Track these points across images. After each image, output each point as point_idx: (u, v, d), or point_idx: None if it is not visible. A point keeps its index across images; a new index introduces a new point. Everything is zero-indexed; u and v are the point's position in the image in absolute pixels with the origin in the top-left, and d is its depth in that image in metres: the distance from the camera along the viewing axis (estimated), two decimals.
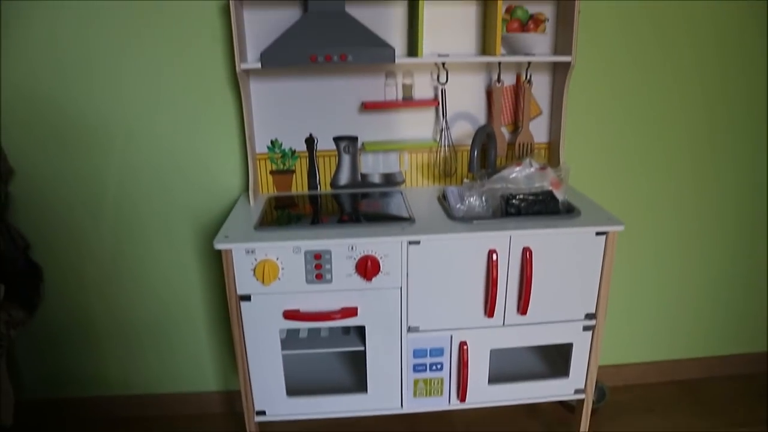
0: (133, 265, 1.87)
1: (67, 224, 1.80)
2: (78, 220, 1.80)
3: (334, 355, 1.73)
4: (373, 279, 1.43)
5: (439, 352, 1.56)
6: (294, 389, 1.58)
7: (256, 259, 1.40)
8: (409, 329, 1.51)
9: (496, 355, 1.60)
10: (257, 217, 1.55)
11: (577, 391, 1.67)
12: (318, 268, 1.42)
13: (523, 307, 1.50)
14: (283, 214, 1.62)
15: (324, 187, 1.81)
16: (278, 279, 1.42)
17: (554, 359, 1.71)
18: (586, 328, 1.57)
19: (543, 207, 1.51)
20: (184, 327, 1.97)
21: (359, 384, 1.60)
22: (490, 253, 1.44)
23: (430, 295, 1.48)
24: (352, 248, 1.41)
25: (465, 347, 1.54)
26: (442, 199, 1.66)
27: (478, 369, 1.58)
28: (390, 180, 1.82)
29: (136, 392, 2.04)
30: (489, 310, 1.49)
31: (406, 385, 1.58)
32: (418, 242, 1.42)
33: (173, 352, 2.00)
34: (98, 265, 1.86)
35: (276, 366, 1.52)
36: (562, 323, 1.56)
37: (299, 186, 1.80)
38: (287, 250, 1.40)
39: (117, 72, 1.66)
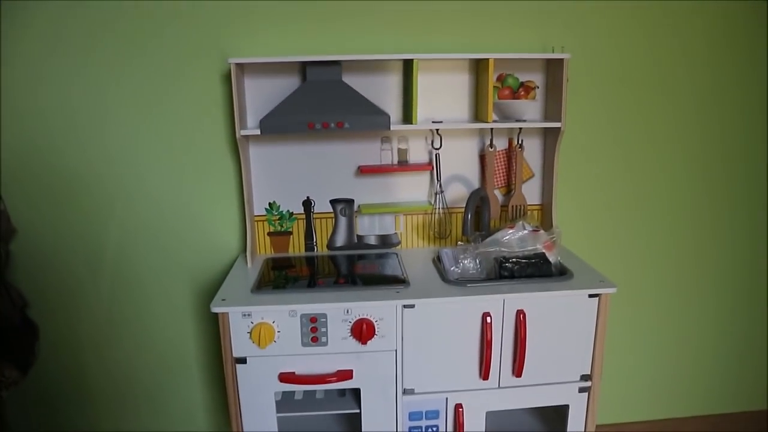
0: (130, 324, 1.88)
1: (66, 283, 1.82)
2: (76, 279, 1.82)
3: (330, 417, 1.72)
4: (368, 342, 1.44)
5: (434, 414, 1.55)
6: None
7: (252, 322, 1.42)
8: (405, 391, 1.51)
9: (493, 417, 1.60)
10: (254, 279, 1.57)
11: None
12: (314, 331, 1.43)
13: (518, 369, 1.50)
14: (280, 275, 1.64)
15: (321, 249, 1.84)
16: (274, 342, 1.43)
17: (551, 419, 1.71)
18: (582, 390, 1.57)
19: (536, 270, 1.54)
20: (180, 385, 1.96)
21: None
22: (484, 315, 1.46)
23: (425, 358, 1.49)
24: (347, 312, 1.43)
25: (460, 410, 1.54)
26: (437, 261, 1.69)
27: (475, 431, 1.57)
28: (386, 241, 1.85)
29: None
30: (484, 373, 1.50)
31: None
32: (412, 306, 1.44)
33: (168, 409, 1.98)
34: (95, 324, 1.87)
35: (271, 428, 1.52)
36: (557, 385, 1.56)
37: (296, 247, 1.83)
38: (283, 314, 1.42)
39: (118, 133, 1.72)
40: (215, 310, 1.40)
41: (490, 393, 1.54)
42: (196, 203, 1.79)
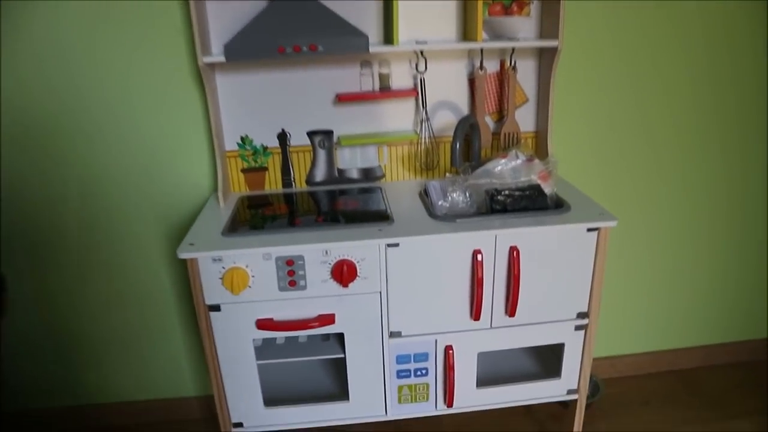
0: (100, 271, 1.77)
1: (29, 230, 1.70)
2: (40, 225, 1.70)
3: (314, 362, 1.65)
4: (350, 285, 1.34)
5: (423, 357, 1.48)
6: (272, 399, 1.50)
7: (224, 268, 1.31)
8: (391, 335, 1.43)
9: (484, 357, 1.53)
10: (226, 220, 1.45)
11: (570, 392, 1.59)
12: (291, 274, 1.33)
13: (511, 309, 1.42)
14: (255, 215, 1.52)
15: (299, 184, 1.71)
16: (249, 287, 1.33)
17: (546, 359, 1.64)
18: (578, 328, 1.50)
19: (530, 202, 1.43)
20: (158, 332, 1.88)
21: (341, 392, 1.52)
22: (475, 253, 1.36)
23: (412, 299, 1.39)
24: (326, 253, 1.32)
25: (450, 351, 1.46)
26: (424, 194, 1.57)
27: (466, 373, 1.51)
28: (369, 175, 1.72)
29: (111, 401, 1.96)
30: (475, 313, 1.41)
31: (390, 391, 1.50)
32: (397, 245, 1.33)
33: (148, 358, 1.91)
34: (63, 273, 1.76)
35: (251, 376, 1.44)
36: (552, 323, 1.48)
37: (273, 184, 1.70)
38: (257, 257, 1.31)
39: (70, 67, 1.55)
40: (182, 255, 1.29)
41: (481, 334, 1.46)
42: (163, 140, 1.64)
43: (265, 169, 1.68)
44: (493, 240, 1.36)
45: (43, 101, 1.57)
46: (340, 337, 1.44)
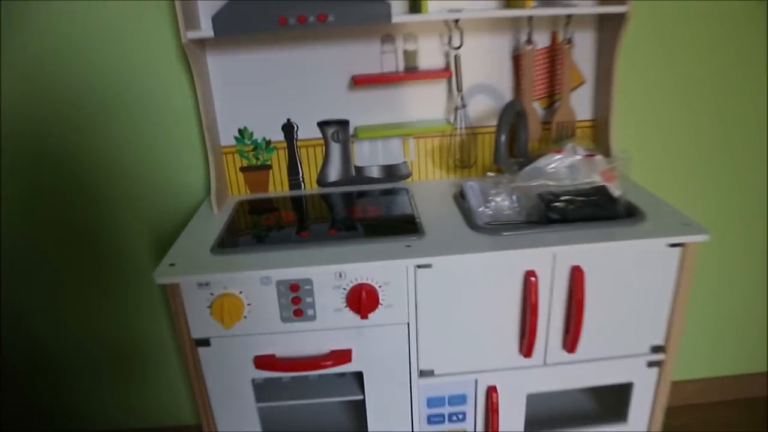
0: (88, 287, 1.52)
1: (10, 240, 1.46)
2: (20, 235, 1.46)
3: (327, 402, 1.38)
4: (370, 315, 1.07)
5: (460, 399, 1.20)
6: None
7: (212, 294, 1.04)
8: (421, 374, 1.16)
9: (535, 398, 1.25)
10: (218, 232, 1.19)
11: None
12: (296, 302, 1.06)
13: (571, 343, 1.13)
14: (255, 225, 1.25)
15: (309, 186, 1.44)
16: (244, 318, 1.07)
17: (607, 398, 1.35)
18: (651, 364, 1.21)
19: (597, 210, 1.13)
20: (153, 354, 1.63)
21: None
22: (528, 275, 1.07)
23: (447, 332, 1.12)
24: (340, 276, 1.05)
25: (494, 393, 1.18)
26: (459, 198, 1.29)
27: (512, 418, 1.23)
28: (392, 173, 1.44)
29: (100, 428, 1.72)
30: (526, 348, 1.13)
31: None
32: (429, 266, 1.05)
33: (141, 382, 1.67)
34: (48, 289, 1.52)
35: (251, 422, 1.18)
36: (620, 359, 1.19)
37: (278, 185, 1.43)
38: (253, 282, 1.04)
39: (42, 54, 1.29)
40: (161, 280, 1.03)
41: (532, 372, 1.18)
42: (150, 135, 1.38)
43: (269, 167, 1.41)
44: (551, 259, 1.07)
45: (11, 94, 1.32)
46: (358, 375, 1.17)
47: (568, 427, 1.29)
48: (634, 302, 1.13)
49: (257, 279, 1.04)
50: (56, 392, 1.67)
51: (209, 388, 1.14)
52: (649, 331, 1.18)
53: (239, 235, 1.19)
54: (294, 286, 1.04)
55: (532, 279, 1.07)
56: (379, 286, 1.06)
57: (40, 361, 1.62)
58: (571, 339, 1.13)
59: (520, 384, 1.20)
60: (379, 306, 1.07)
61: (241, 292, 1.05)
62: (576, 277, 1.08)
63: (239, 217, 1.28)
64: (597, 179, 1.21)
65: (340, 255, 1.05)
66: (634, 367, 1.20)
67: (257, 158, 1.39)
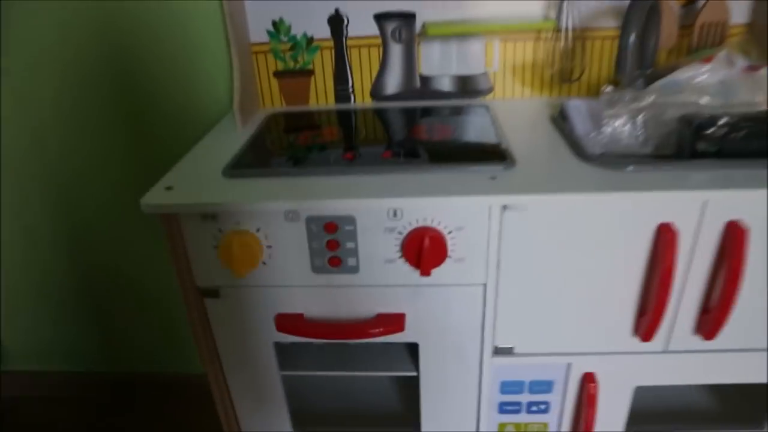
0: (91, 215, 1.29)
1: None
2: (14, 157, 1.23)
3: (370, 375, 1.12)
4: (434, 271, 0.77)
5: (544, 386, 0.91)
6: (306, 421, 0.99)
7: (220, 231, 0.77)
8: (497, 351, 0.87)
9: (642, 392, 0.94)
10: (237, 150, 0.90)
11: None
12: (333, 247, 0.78)
13: (711, 326, 0.81)
14: (286, 143, 0.96)
15: (361, 99, 1.13)
16: (263, 264, 0.79)
17: (731, 396, 1.03)
18: None
19: (764, 142, 0.78)
20: (163, 296, 1.41)
21: (410, 422, 0.99)
22: (662, 230, 0.75)
23: (537, 299, 0.82)
24: (394, 214, 0.75)
25: (592, 384, 0.88)
26: (560, 120, 0.96)
27: (610, 413, 0.93)
28: (469, 87, 1.11)
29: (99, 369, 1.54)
30: (646, 329, 0.81)
31: (486, 429, 0.96)
32: (521, 207, 0.74)
33: (155, 327, 1.46)
34: (48, 215, 1.30)
35: (274, 394, 0.93)
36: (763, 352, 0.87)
37: (321, 96, 1.13)
38: (275, 217, 0.76)
39: None
40: (150, 208, 0.76)
41: (647, 359, 0.87)
42: (174, 32, 1.09)
43: (310, 72, 1.10)
44: (699, 209, 0.74)
45: None
46: (412, 347, 0.90)
47: (682, 428, 0.99)
48: None
49: (280, 213, 0.76)
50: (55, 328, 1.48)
51: (221, 352, 0.89)
52: None
53: (263, 156, 0.90)
54: (330, 226, 0.76)
55: (669, 235, 0.74)
56: (449, 232, 0.76)
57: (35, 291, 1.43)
58: (712, 321, 0.80)
59: (629, 374, 0.89)
60: (447, 259, 0.77)
61: (258, 230, 0.77)
62: (734, 236, 0.74)
63: (268, 133, 1.00)
64: (761, 101, 0.86)
65: (396, 186, 0.75)
66: None
67: (296, 60, 1.09)
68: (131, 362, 1.51)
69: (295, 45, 1.08)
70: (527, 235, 0.76)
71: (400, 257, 0.78)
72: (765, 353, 0.87)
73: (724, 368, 0.89)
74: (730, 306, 0.77)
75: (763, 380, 0.90)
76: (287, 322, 0.84)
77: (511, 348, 0.86)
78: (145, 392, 1.52)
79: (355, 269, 0.79)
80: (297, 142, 0.95)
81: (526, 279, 0.80)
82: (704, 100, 0.86)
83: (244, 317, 0.85)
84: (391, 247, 0.77)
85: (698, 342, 0.85)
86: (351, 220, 0.75)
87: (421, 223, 0.75)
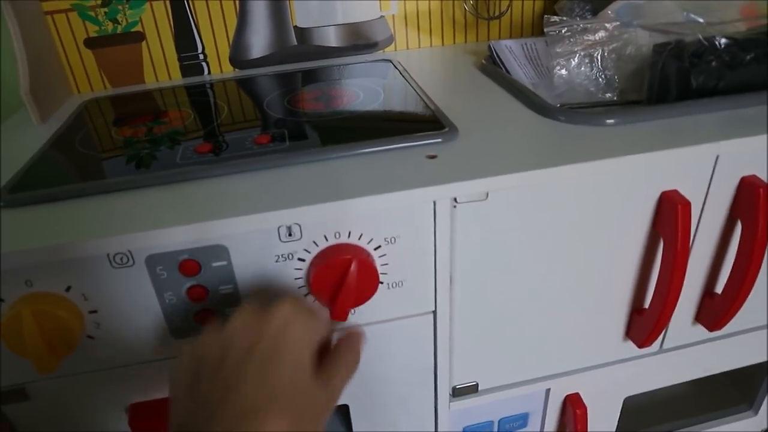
0: None
1: None
2: None
3: None
4: (359, 308, 0.52)
5: (519, 421, 0.70)
6: None
7: (2, 301, 0.46)
8: (456, 392, 0.63)
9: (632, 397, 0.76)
10: (27, 161, 0.58)
11: None
12: (199, 296, 0.49)
13: (720, 314, 0.62)
14: (107, 143, 0.64)
15: (218, 68, 0.83)
16: (88, 340, 0.49)
17: (713, 379, 0.88)
18: None
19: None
20: None
21: None
22: (667, 199, 0.54)
23: (503, 319, 0.58)
24: (289, 232, 0.48)
25: (579, 409, 0.68)
26: (493, 67, 0.72)
27: (600, 428, 0.74)
28: (361, 38, 0.85)
29: None
30: (647, 332, 0.61)
31: None
32: (479, 197, 0.49)
33: None
34: None
35: None
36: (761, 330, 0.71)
37: (161, 70, 0.81)
38: (96, 263, 0.46)
39: None
40: None
41: (638, 365, 0.68)
42: None
43: (139, 37, 0.78)
44: (711, 166, 0.54)
45: None
46: (341, 408, 0.63)
47: (673, 426, 0.82)
48: None
49: (102, 258, 0.46)
50: None
51: None
52: None
53: (68, 165, 0.58)
54: (189, 265, 0.47)
55: (679, 206, 0.53)
56: (377, 248, 0.50)
57: None
58: (721, 308, 0.61)
59: (619, 386, 0.70)
60: (380, 286, 0.51)
61: (70, 289, 0.46)
62: (752, 195, 0.55)
63: (81, 129, 0.67)
64: (736, 20, 0.67)
65: (284, 189, 0.48)
66: None
67: (115, 21, 0.76)
68: None
69: None
70: (490, 236, 0.52)
71: (307, 295, 0.51)
72: (763, 331, 0.70)
73: (723, 356, 0.72)
74: (749, 288, 0.59)
75: (762, 360, 0.74)
76: (148, 413, 0.55)
77: (474, 385, 0.63)
78: None
79: None
80: (121, 136, 0.64)
81: (489, 295, 0.56)
82: (670, 26, 0.66)
83: (77, 420, 0.54)
84: (291, 281, 0.50)
85: (698, 333, 0.67)
86: (221, 251, 0.47)
87: (331, 241, 0.49)
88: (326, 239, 0.48)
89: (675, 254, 0.54)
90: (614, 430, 0.76)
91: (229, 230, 0.45)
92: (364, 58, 0.83)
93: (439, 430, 0.65)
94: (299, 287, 0.51)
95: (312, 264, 0.49)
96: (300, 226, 0.47)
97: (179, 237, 0.45)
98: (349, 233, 0.48)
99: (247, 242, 0.47)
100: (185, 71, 0.81)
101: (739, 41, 0.57)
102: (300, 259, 0.49)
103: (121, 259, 0.46)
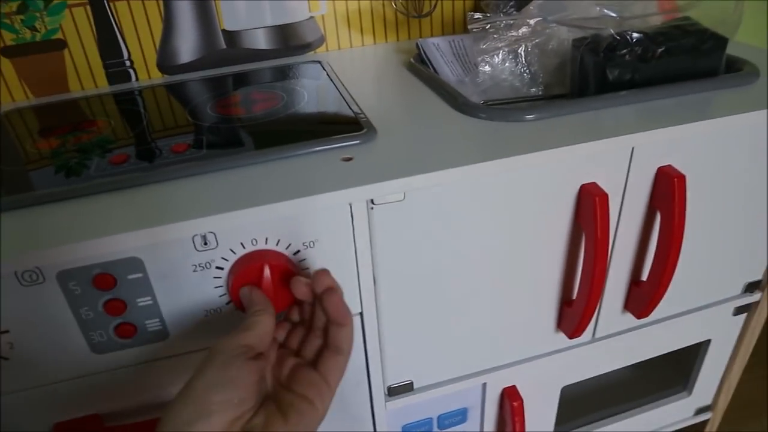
0: None
1: None
2: None
3: None
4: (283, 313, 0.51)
5: (458, 416, 0.70)
6: None
7: None
8: (391, 391, 0.63)
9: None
10: None
11: (699, 411, 0.89)
12: (117, 311, 0.48)
13: (648, 302, 0.64)
14: (21, 154, 0.63)
15: (145, 74, 0.81)
16: (3, 361, 0.48)
17: (655, 364, 0.91)
18: (738, 311, 0.76)
19: (687, 61, 0.61)
20: None
21: None
22: (586, 193, 0.55)
23: (431, 316, 0.59)
24: (204, 241, 0.47)
25: (516, 402, 0.69)
26: (420, 65, 0.73)
27: (539, 421, 0.75)
28: (292, 40, 0.84)
29: None
30: (577, 323, 0.62)
31: None
32: (396, 197, 0.50)
33: None
34: None
35: None
36: (700, 312, 0.73)
37: (86, 77, 0.79)
38: (5, 285, 0.45)
39: None
40: None
41: (573, 355, 0.69)
42: None
43: (60, 44, 0.76)
44: (627, 157, 0.55)
45: None
46: None
47: (600, 408, 0.84)
48: (732, 221, 0.65)
49: (9, 277, 0.44)
50: None
51: None
52: (747, 263, 0.71)
53: None
54: (104, 279, 0.46)
55: (597, 198, 0.54)
56: (296, 252, 0.50)
57: None
58: (650, 295, 0.63)
59: (554, 376, 0.71)
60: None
61: None
62: (670, 185, 0.56)
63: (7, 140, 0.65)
64: (653, 14, 0.69)
65: (198, 197, 0.47)
66: (716, 318, 0.75)
67: (32, 28, 0.74)
68: None
69: (24, 3, 0.73)
70: (410, 236, 0.52)
71: (228, 303, 0.51)
72: (692, 315, 0.73)
73: (654, 342, 0.74)
74: (672, 273, 0.60)
75: (692, 341, 0.77)
76: (69, 428, 0.53)
77: (409, 384, 0.63)
78: None
79: (161, 334, 0.51)
80: (39, 150, 0.62)
81: (416, 294, 0.56)
82: (588, 21, 0.67)
83: None
84: (211, 290, 0.50)
85: (628, 321, 0.69)
86: (136, 263, 0.46)
87: (249, 248, 0.48)
88: (243, 246, 0.48)
89: (596, 245, 0.55)
90: (554, 419, 0.77)
91: (141, 242, 0.44)
92: (295, 59, 0.83)
93: (377, 430, 0.65)
94: (220, 296, 0.50)
95: (230, 272, 0.48)
96: (215, 235, 0.47)
97: (89, 251, 0.44)
98: (266, 239, 0.48)
99: (162, 253, 0.46)
100: (112, 78, 0.79)
101: (650, 35, 0.59)
102: (218, 268, 0.48)
103: (30, 276, 0.45)
